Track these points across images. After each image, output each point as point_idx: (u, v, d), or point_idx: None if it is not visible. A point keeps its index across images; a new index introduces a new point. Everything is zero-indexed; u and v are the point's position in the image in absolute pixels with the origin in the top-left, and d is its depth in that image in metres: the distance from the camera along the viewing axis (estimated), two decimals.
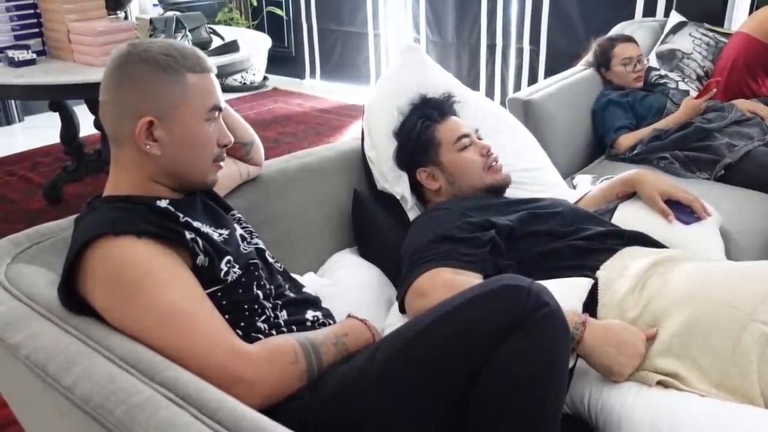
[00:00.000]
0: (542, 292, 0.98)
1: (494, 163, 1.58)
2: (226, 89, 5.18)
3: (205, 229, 1.07)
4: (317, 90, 5.28)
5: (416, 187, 1.64)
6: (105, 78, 1.05)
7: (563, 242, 1.36)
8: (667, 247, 1.41)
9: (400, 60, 1.76)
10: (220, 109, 1.10)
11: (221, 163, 1.13)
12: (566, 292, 1.22)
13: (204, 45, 2.74)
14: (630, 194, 1.68)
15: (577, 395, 1.14)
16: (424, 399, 0.95)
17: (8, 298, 1.00)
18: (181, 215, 1.04)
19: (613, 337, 1.10)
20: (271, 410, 0.93)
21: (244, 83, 5.25)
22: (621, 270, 1.27)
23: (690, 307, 1.15)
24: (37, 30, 2.69)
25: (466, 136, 1.58)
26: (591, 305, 1.24)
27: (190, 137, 1.06)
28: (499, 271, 1.30)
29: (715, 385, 1.08)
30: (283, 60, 5.47)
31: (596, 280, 1.26)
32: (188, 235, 1.01)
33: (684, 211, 1.69)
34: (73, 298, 0.97)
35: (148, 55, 1.04)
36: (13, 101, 4.38)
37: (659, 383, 1.09)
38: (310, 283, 1.38)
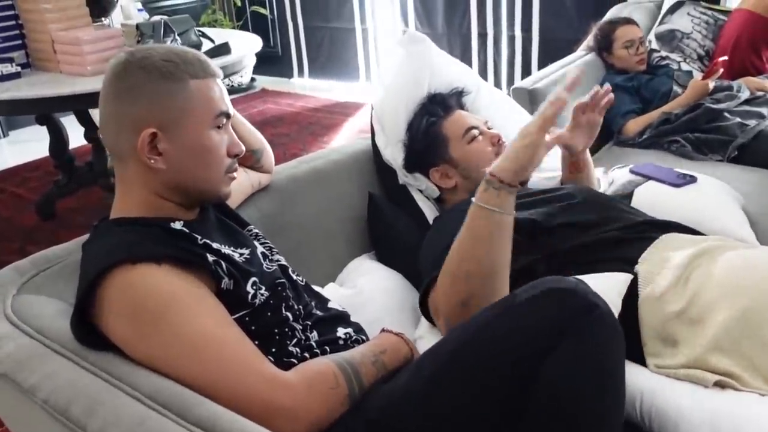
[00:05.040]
0: (590, 294, 0.92)
1: None
2: None
3: (226, 250, 0.99)
4: (306, 88, 5.19)
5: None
6: (103, 89, 0.98)
7: (595, 234, 1.30)
8: (703, 234, 1.35)
9: (404, 52, 1.69)
10: (228, 116, 1.02)
11: (234, 174, 1.06)
12: (604, 288, 1.15)
13: (194, 47, 2.66)
14: (576, 162, 1.56)
15: (629, 399, 1.07)
16: (474, 414, 0.88)
17: (17, 334, 0.92)
18: (199, 237, 0.97)
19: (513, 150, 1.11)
20: None
21: (232, 86, 5.15)
22: (661, 262, 1.20)
23: (738, 300, 1.09)
24: (20, 42, 2.59)
25: (473, 127, 1.50)
26: (630, 300, 1.17)
27: (197, 148, 0.98)
28: (522, 268, 1.23)
29: None
30: (270, 60, 5.37)
31: (635, 274, 1.20)
32: (210, 257, 0.93)
33: (670, 174, 1.63)
34: (88, 331, 0.89)
35: (148, 62, 0.96)
36: None
37: (716, 384, 1.03)
38: (333, 294, 1.31)
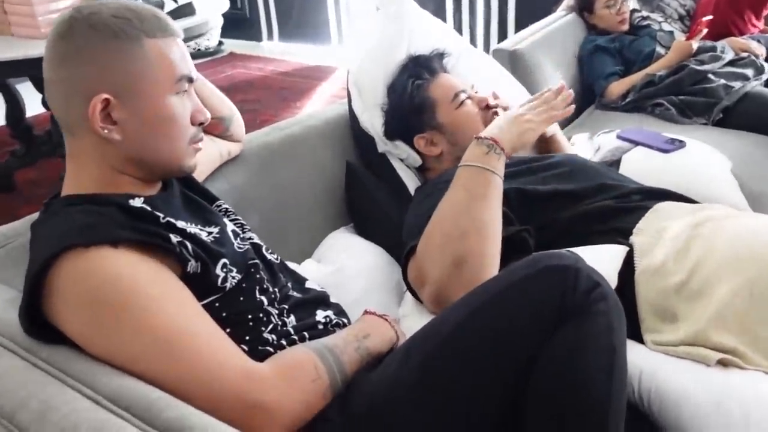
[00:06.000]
0: (592, 271, 0.86)
1: (496, 116, 1.41)
2: None
3: (192, 229, 0.89)
4: (276, 52, 5.02)
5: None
6: (47, 51, 0.86)
7: (586, 204, 1.23)
8: (697, 202, 1.29)
9: (382, 12, 1.58)
10: (191, 80, 0.92)
11: (200, 144, 0.95)
12: (599, 261, 1.09)
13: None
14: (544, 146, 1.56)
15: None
16: (469, 403, 0.82)
17: None
18: (161, 215, 0.87)
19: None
20: None
21: (198, 49, 4.96)
22: (658, 233, 1.14)
23: (741, 271, 1.04)
24: None
25: (462, 91, 1.42)
26: (627, 273, 1.11)
27: (156, 116, 0.87)
28: (509, 238, 1.16)
29: None
30: (237, 22, 5.17)
31: (631, 246, 1.14)
32: (174, 238, 0.84)
33: (659, 139, 1.58)
34: (39, 323, 0.80)
35: (97, 19, 0.84)
36: None
37: (719, 362, 0.98)
38: (311, 272, 1.22)
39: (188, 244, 0.84)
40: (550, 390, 0.81)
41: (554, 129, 1.55)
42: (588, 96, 2.44)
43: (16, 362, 0.76)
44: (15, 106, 2.84)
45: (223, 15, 4.93)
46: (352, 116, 1.54)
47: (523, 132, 1.22)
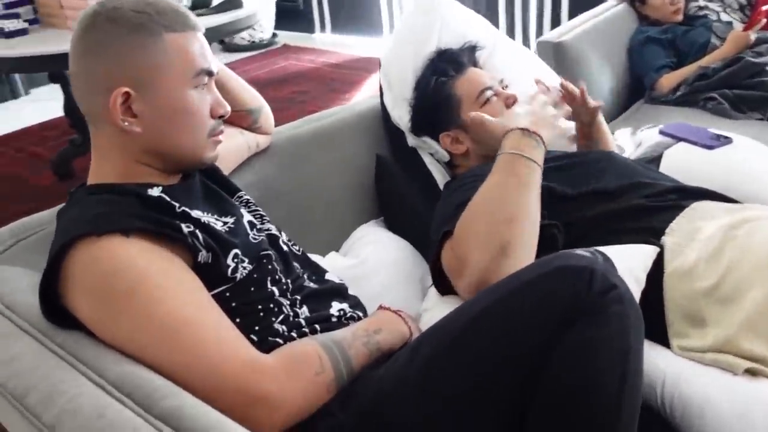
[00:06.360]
0: (609, 273, 0.82)
1: None
2: (233, 49, 4.98)
3: (206, 218, 0.91)
4: (328, 44, 5.05)
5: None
6: (72, 45, 0.89)
7: (620, 202, 1.19)
8: (738, 202, 1.24)
9: (415, 3, 1.56)
10: (210, 74, 0.93)
11: (220, 137, 0.97)
12: (627, 260, 1.06)
13: (205, 2, 2.56)
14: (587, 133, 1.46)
15: (649, 384, 0.99)
16: (476, 404, 0.81)
17: None
18: (177, 205, 0.89)
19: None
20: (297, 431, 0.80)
21: (253, 41, 5.04)
22: (691, 234, 1.09)
23: None
24: None
25: (488, 88, 1.37)
26: (655, 274, 1.07)
27: (175, 108, 0.89)
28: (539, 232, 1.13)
29: None
30: (291, 14, 5.23)
31: (662, 246, 1.10)
32: (186, 228, 0.85)
33: (703, 135, 1.50)
34: (56, 308, 0.83)
35: (118, 13, 0.87)
36: (18, 75, 4.24)
37: (747, 371, 0.94)
38: (334, 264, 1.23)
39: (200, 234, 0.86)
40: (558, 393, 0.79)
41: (599, 120, 1.49)
42: (637, 90, 2.36)
43: (32, 345, 0.79)
44: (72, 96, 2.95)
45: (277, 7, 5.01)
46: (384, 109, 1.53)
47: (553, 138, 1.15)
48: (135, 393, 0.70)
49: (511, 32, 4.15)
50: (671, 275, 1.06)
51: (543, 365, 0.79)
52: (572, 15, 3.73)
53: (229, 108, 0.97)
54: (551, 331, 0.80)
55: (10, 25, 2.38)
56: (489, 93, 1.37)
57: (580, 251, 0.99)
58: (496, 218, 1.02)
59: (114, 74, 0.87)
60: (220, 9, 2.50)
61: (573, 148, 1.47)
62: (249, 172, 1.29)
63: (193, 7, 2.45)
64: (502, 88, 1.40)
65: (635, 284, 1.01)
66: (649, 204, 1.18)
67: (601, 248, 1.07)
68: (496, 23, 4.14)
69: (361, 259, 1.29)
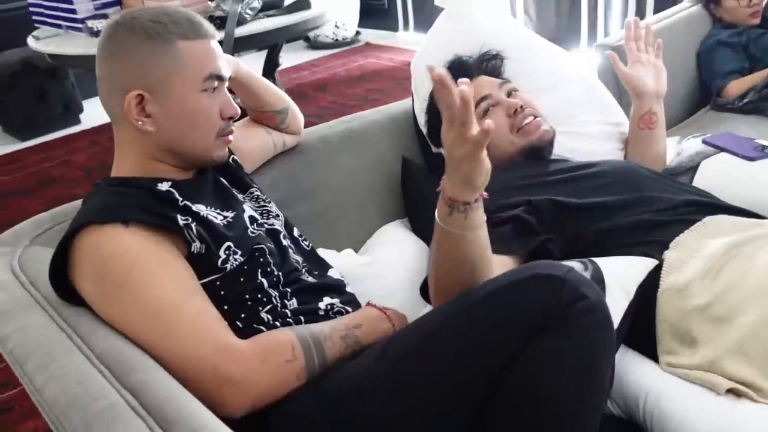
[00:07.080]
0: (581, 283, 0.83)
1: (525, 122, 1.34)
2: (318, 46, 5.12)
3: (207, 212, 0.99)
4: (410, 42, 5.09)
5: None
6: (97, 52, 0.99)
7: (625, 217, 1.17)
8: (763, 217, 1.19)
9: (444, 11, 1.58)
10: (220, 78, 1.01)
11: (230, 137, 1.05)
12: (622, 271, 1.05)
13: (276, 3, 2.67)
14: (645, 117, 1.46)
15: (632, 397, 0.99)
16: (439, 407, 0.84)
17: (14, 284, 0.98)
18: (181, 199, 0.97)
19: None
20: (263, 413, 0.86)
21: (336, 39, 5.16)
22: (694, 249, 1.07)
23: None
24: None
25: (483, 99, 1.35)
26: (650, 289, 1.05)
27: (185, 110, 0.98)
28: (535, 250, 1.13)
29: None
30: (375, 12, 5.31)
31: (662, 260, 1.08)
32: (181, 220, 0.93)
33: (747, 145, 1.43)
34: (68, 286, 0.93)
35: (136, 23, 0.96)
36: None
37: (730, 391, 0.92)
38: (346, 262, 1.28)
39: (194, 226, 0.94)
40: (515, 403, 0.81)
41: (656, 107, 1.48)
42: (705, 97, 2.27)
43: (42, 318, 0.90)
44: None
45: (362, 5, 5.08)
46: (414, 114, 1.57)
47: (465, 173, 0.84)
48: (114, 366, 0.79)
49: (593, 35, 4.05)
50: (665, 291, 1.04)
51: (508, 372, 0.81)
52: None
53: (238, 109, 1.04)
54: (517, 339, 0.82)
55: (99, 25, 2.57)
56: (484, 105, 1.35)
57: (567, 262, 1.00)
58: (448, 287, 0.92)
59: (130, 78, 0.96)
60: (290, 10, 2.61)
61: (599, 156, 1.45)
62: (274, 170, 1.36)
63: (263, 8, 2.57)
64: (508, 95, 1.38)
65: (623, 295, 1.01)
66: (652, 218, 1.16)
67: (599, 259, 1.07)
68: (578, 25, 4.08)
69: (374, 258, 1.34)
